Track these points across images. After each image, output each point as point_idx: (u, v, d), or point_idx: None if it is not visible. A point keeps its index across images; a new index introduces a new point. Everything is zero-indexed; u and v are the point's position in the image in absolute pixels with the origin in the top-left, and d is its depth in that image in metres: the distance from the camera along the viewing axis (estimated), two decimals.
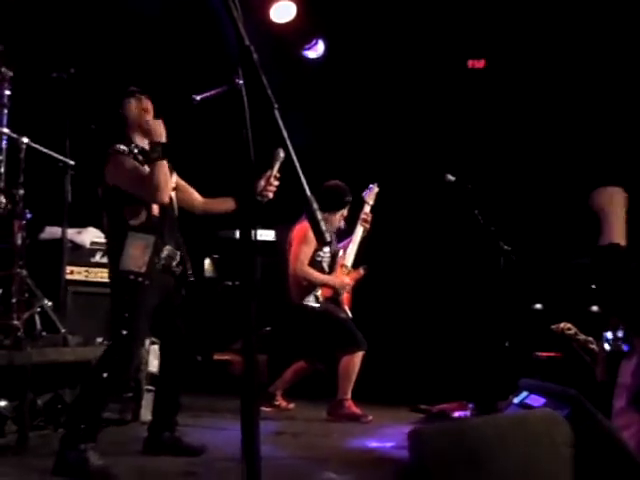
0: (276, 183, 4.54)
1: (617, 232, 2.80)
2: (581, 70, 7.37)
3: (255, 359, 2.06)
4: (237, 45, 2.06)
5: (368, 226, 6.72)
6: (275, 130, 2.04)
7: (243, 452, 1.97)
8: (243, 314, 2.02)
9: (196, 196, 4.95)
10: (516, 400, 2.40)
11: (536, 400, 2.28)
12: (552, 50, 7.49)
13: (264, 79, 2.04)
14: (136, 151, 4.53)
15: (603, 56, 7.25)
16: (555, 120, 7.50)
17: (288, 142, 2.04)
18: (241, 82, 2.07)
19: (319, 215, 2.03)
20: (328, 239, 2.04)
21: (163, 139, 4.36)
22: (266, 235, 7.96)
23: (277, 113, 2.03)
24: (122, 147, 4.50)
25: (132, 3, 6.39)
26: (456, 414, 6.18)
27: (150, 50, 7.34)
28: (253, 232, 2.05)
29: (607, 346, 4.80)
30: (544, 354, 6.16)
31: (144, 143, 4.57)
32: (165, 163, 4.34)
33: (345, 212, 6.63)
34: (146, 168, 4.44)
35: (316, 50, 8.18)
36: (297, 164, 2.06)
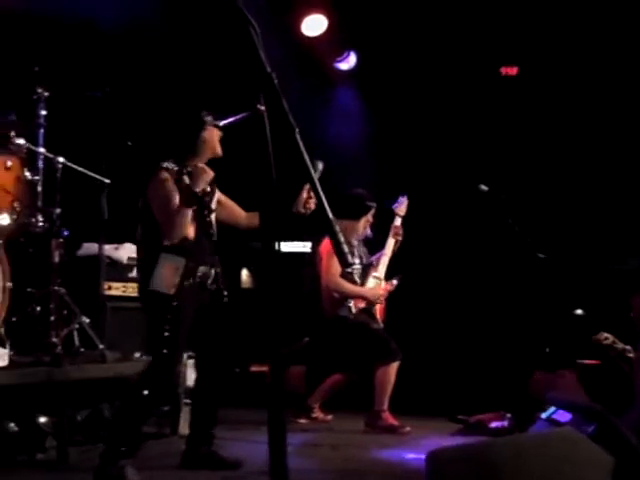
0: None
1: None
2: (616, 76, 7.32)
3: (282, 369, 2.08)
4: (259, 72, 2.09)
5: (399, 238, 6.72)
6: (296, 154, 2.07)
7: (270, 466, 2.00)
8: (269, 325, 2.04)
9: (239, 211, 4.95)
10: (544, 415, 2.40)
11: (563, 416, 2.28)
12: (586, 56, 7.43)
13: (285, 104, 2.08)
14: (185, 171, 4.45)
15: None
16: (590, 126, 7.45)
17: (309, 165, 2.08)
18: (263, 108, 2.11)
19: (341, 237, 2.06)
20: (350, 261, 2.07)
21: (196, 188, 4.36)
22: (303, 247, 7.97)
23: (298, 137, 2.07)
24: (172, 166, 4.48)
25: (161, 25, 6.48)
26: (493, 424, 6.12)
27: (179, 71, 7.41)
28: (276, 245, 2.07)
29: None
30: (584, 362, 6.12)
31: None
32: (188, 212, 4.35)
33: (370, 218, 6.63)
34: None
35: (348, 62, 8.22)
36: (318, 186, 2.10)
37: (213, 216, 4.67)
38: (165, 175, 4.46)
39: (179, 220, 4.34)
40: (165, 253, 4.38)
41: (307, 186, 4.62)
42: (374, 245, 6.81)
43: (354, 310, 6.50)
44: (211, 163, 4.63)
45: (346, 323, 6.48)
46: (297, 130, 2.06)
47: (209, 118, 4.59)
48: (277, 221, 2.11)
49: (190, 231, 4.44)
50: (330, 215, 2.05)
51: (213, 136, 4.61)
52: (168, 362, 4.41)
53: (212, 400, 4.81)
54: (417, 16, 7.71)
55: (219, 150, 4.65)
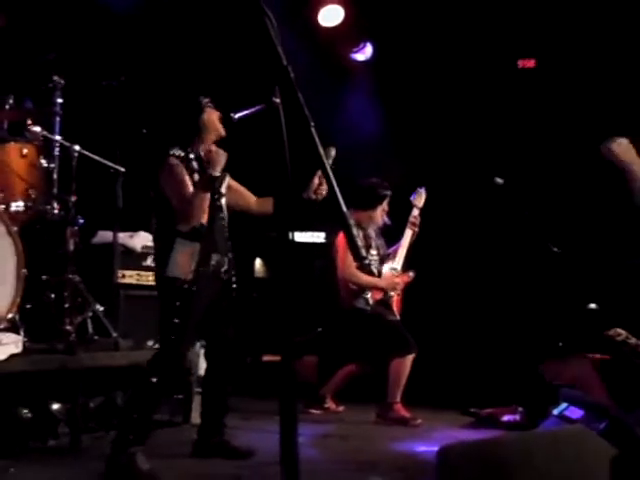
0: None
1: None
2: (634, 68, 7.27)
3: (294, 359, 2.09)
4: (275, 64, 2.09)
5: (417, 229, 6.71)
6: (312, 147, 2.07)
7: (281, 455, 2.01)
8: (282, 315, 2.05)
9: (250, 196, 4.95)
10: (555, 412, 2.39)
11: (575, 412, 2.27)
12: (604, 48, 7.39)
13: (301, 98, 2.08)
14: (192, 156, 4.54)
15: None
16: (607, 120, 7.40)
17: (324, 159, 2.07)
18: (278, 101, 2.11)
19: (355, 231, 2.06)
20: (363, 254, 2.08)
21: (216, 173, 4.40)
22: (316, 237, 7.98)
23: (313, 131, 2.07)
24: (179, 152, 4.52)
25: (178, 16, 6.48)
26: (505, 418, 6.13)
27: (195, 63, 7.42)
28: (290, 234, 2.08)
29: None
30: (595, 356, 6.09)
31: (204, 150, 4.61)
32: (207, 195, 4.39)
33: (385, 206, 6.65)
34: (195, 176, 4.49)
35: (364, 53, 8.21)
36: (333, 180, 2.09)
37: (223, 200, 4.67)
38: (175, 161, 4.50)
39: (198, 203, 4.37)
40: (180, 239, 4.39)
41: (319, 172, 4.61)
42: (392, 236, 6.81)
43: (371, 302, 6.51)
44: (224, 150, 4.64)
45: (363, 315, 6.50)
46: (312, 124, 2.06)
47: (206, 101, 4.64)
48: (292, 212, 2.11)
49: (204, 216, 4.47)
50: (344, 209, 2.05)
51: (212, 117, 4.63)
52: (175, 349, 4.42)
53: (221, 389, 4.82)
54: (434, 7, 7.69)
55: (222, 130, 4.66)
